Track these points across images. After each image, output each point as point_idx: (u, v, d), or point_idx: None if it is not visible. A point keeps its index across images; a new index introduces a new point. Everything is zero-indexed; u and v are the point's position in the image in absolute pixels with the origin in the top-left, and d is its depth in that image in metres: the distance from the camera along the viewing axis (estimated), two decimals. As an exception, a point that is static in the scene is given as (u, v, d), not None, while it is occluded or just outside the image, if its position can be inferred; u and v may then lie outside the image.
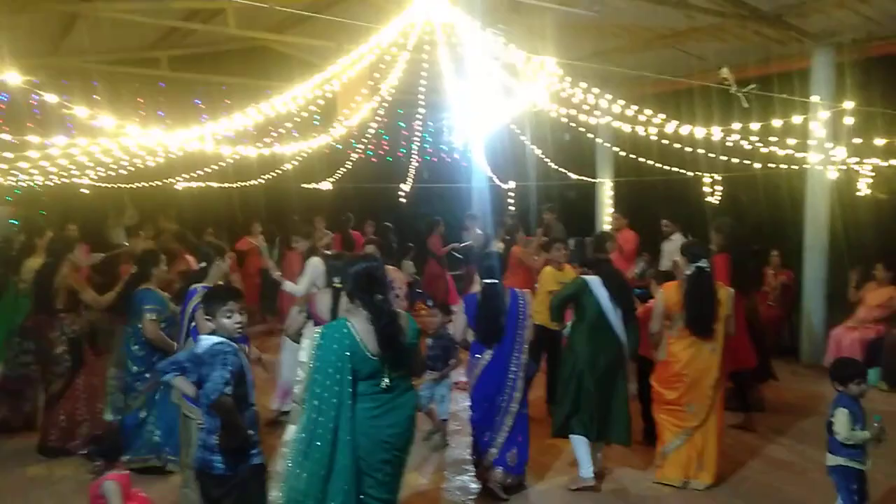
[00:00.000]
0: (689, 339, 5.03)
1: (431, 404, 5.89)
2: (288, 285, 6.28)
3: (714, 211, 9.20)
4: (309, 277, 6.14)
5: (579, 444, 5.07)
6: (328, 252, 6.50)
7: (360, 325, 3.44)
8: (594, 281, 5.13)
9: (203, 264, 4.94)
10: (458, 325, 5.06)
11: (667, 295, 5.16)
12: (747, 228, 8.96)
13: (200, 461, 3.40)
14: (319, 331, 3.51)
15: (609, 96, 5.73)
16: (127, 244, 9.87)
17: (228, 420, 3.29)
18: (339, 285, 4.51)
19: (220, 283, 4.80)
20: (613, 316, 5.05)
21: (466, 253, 10.88)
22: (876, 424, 4.03)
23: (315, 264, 6.41)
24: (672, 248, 7.80)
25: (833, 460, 4.11)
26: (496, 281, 4.83)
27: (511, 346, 4.78)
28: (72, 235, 7.67)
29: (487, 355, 4.79)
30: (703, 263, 5.04)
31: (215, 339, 3.43)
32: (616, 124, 6.15)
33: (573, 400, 5.06)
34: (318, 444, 3.32)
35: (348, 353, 3.37)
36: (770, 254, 9.13)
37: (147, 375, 5.27)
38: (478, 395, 4.82)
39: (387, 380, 3.44)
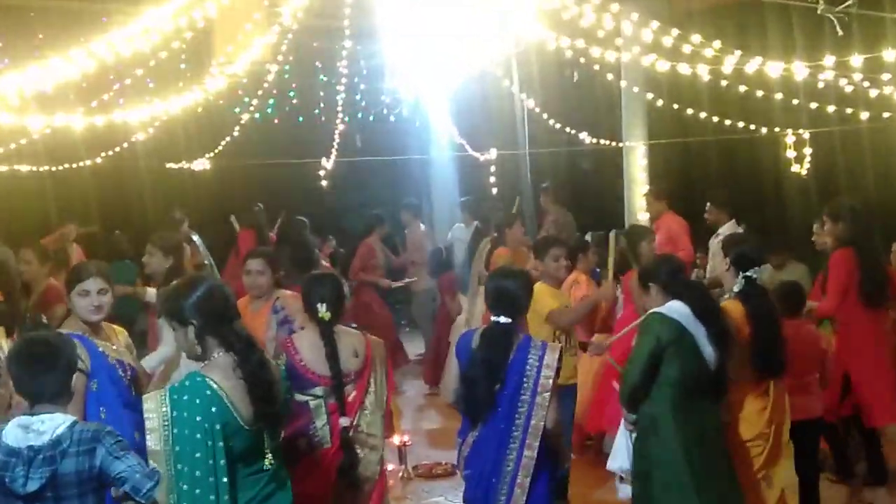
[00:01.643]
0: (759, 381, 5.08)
1: None
2: (151, 360, 5.52)
3: (801, 184, 9.29)
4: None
5: None
6: None
7: (225, 382, 3.49)
8: (683, 313, 4.67)
9: None
10: (448, 376, 4.90)
11: (734, 316, 5.07)
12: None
13: None
14: (165, 399, 3.49)
15: (635, 16, 5.76)
16: None
17: None
18: (325, 315, 4.58)
19: None
20: (715, 361, 4.69)
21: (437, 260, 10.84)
22: None
23: None
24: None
25: None
26: (510, 320, 4.55)
27: (508, 424, 4.51)
28: None
29: (470, 438, 4.64)
30: (753, 273, 5.09)
31: (64, 417, 3.26)
32: (648, 59, 6.17)
33: None
34: None
35: (219, 426, 3.44)
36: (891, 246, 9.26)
37: None
38: (468, 494, 4.73)
39: (269, 457, 3.63)
